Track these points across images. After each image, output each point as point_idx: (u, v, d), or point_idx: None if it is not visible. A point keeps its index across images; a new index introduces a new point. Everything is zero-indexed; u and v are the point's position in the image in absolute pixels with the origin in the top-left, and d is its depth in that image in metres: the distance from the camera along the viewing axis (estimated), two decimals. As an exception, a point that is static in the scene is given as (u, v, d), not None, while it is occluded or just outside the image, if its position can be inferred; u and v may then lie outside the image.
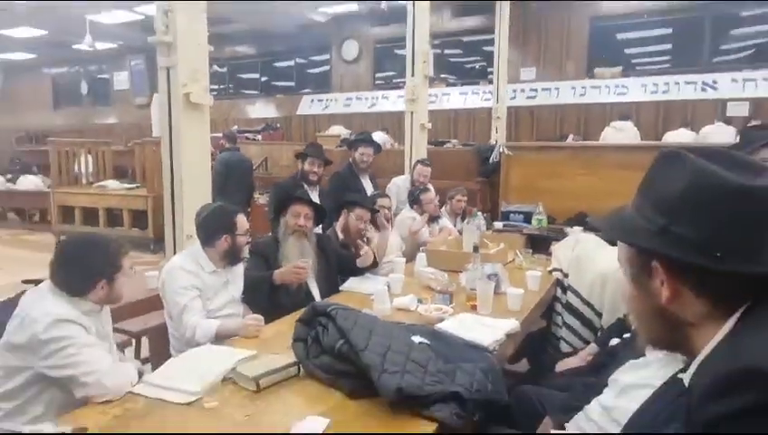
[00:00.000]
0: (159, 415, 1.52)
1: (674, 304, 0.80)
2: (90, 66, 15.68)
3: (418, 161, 4.71)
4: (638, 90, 9.01)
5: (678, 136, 7.36)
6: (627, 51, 9.72)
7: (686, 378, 0.86)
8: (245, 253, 2.48)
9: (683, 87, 8.74)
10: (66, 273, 1.74)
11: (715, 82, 8.52)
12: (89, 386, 1.59)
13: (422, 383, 1.55)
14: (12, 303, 2.37)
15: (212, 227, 2.37)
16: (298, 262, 2.57)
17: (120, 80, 15.04)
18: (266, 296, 2.54)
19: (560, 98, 9.59)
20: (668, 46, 9.49)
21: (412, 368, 1.61)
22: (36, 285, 1.85)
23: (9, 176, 10.24)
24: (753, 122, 6.66)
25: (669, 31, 9.34)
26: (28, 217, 9.84)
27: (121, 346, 2.14)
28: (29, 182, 9.71)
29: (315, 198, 3.73)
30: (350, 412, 1.54)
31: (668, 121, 8.47)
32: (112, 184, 8.12)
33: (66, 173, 8.24)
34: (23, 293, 2.26)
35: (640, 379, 1.51)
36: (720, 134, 6.87)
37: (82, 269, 1.74)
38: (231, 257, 2.40)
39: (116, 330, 2.12)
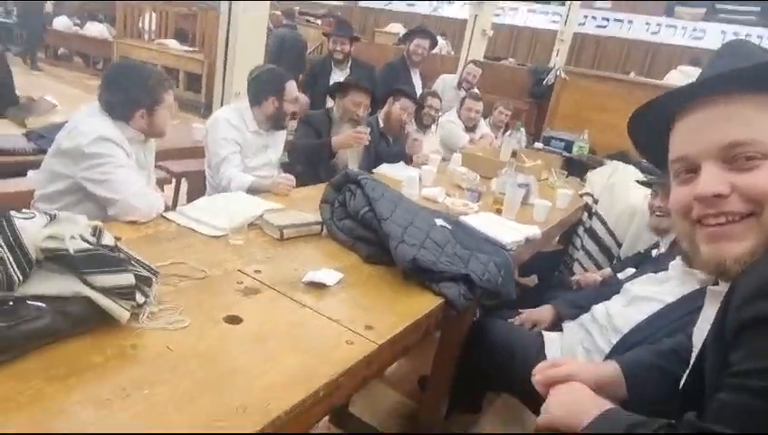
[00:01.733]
0: (187, 241, 1.61)
1: None
2: None
3: (471, 61, 4.56)
4: (716, 37, 8.35)
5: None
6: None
7: (718, 288, 0.79)
8: (292, 118, 2.50)
9: (766, 42, 8.05)
10: (109, 96, 1.80)
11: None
12: (117, 203, 1.68)
13: (436, 260, 1.60)
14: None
15: (262, 87, 2.39)
16: (358, 127, 2.65)
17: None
18: (326, 161, 2.65)
19: (631, 32, 8.97)
20: (761, -2, 8.64)
21: (429, 245, 1.66)
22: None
23: (77, 20, 10.49)
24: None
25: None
26: (92, 63, 10.12)
27: (162, 182, 2.25)
28: (95, 29, 9.97)
29: (342, 76, 3.72)
30: (363, 273, 1.61)
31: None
32: (172, 44, 8.34)
33: (131, 26, 8.55)
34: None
35: (652, 293, 1.53)
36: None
37: (124, 95, 1.79)
38: (275, 121, 2.43)
39: (158, 167, 2.21)
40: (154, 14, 8.76)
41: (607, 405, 0.85)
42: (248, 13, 2.90)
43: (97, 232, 1.13)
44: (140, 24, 8.76)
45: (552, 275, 3.11)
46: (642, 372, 1.03)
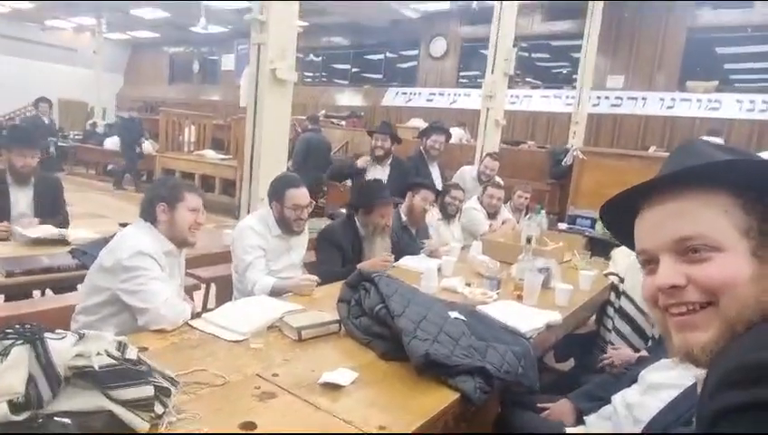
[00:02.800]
0: (210, 348, 1.68)
1: None
2: (202, 47, 17.12)
3: (488, 154, 4.73)
4: (732, 106, 8.44)
5: (773, 157, 6.83)
6: (725, 66, 9.11)
7: (702, 374, 0.77)
8: (299, 227, 2.54)
9: (782, 107, 8.10)
10: (143, 200, 2.03)
11: (820, 102, 7.83)
12: (148, 313, 1.79)
13: (450, 354, 1.61)
14: (107, 240, 2.69)
15: (269, 193, 2.56)
16: (384, 255, 2.75)
17: (227, 61, 16.28)
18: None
19: (646, 108, 9.16)
20: (772, 64, 8.80)
21: (443, 339, 1.68)
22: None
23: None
24: None
25: (774, 48, 8.65)
26: (138, 177, 10.90)
27: (191, 290, 2.37)
28: (144, 146, 10.74)
29: (384, 172, 3.90)
30: (378, 371, 1.63)
31: (763, 141, 7.89)
32: (209, 153, 8.96)
33: (172, 140, 9.22)
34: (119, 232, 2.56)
35: (668, 379, 1.49)
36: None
37: (150, 195, 2.02)
38: (281, 225, 2.51)
39: (189, 274, 2.35)
40: (193, 127, 9.50)
41: None
42: (271, 116, 3.14)
43: (122, 347, 1.22)
44: (180, 138, 9.46)
45: (589, 357, 3.01)
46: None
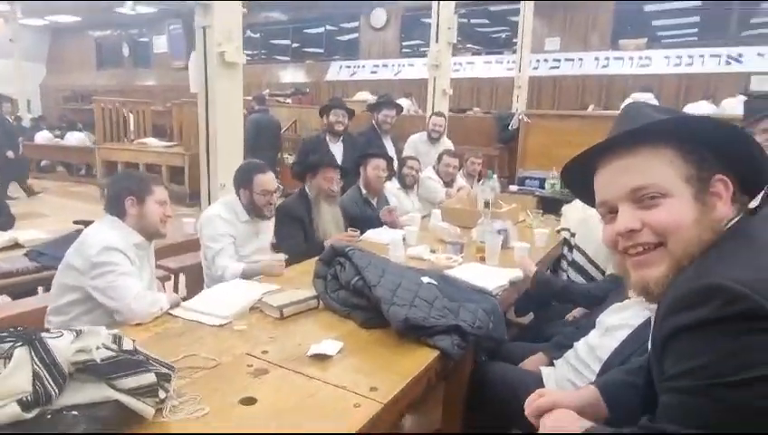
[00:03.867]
0: (196, 334, 1.72)
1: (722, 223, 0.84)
2: (131, 29, 16.21)
3: (433, 113, 4.87)
4: (661, 62, 8.92)
5: (698, 108, 7.31)
6: (653, 23, 9.57)
7: (654, 307, 0.91)
8: (269, 211, 2.58)
9: (707, 60, 8.64)
10: (108, 196, 2.02)
11: (740, 55, 8.41)
12: (120, 311, 1.81)
13: (427, 316, 1.72)
14: (65, 239, 2.64)
15: (235, 181, 2.58)
16: (349, 231, 2.86)
17: (159, 43, 15.53)
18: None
19: (582, 68, 9.55)
20: (696, 19, 9.33)
21: (419, 303, 1.79)
22: (86, 226, 2.08)
23: (57, 132, 10.96)
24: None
25: (698, 3, 9.15)
26: (75, 171, 10.48)
27: (162, 280, 2.38)
28: (75, 138, 10.35)
29: (340, 149, 3.94)
30: (360, 339, 1.72)
31: (690, 94, 8.40)
32: (152, 141, 8.66)
33: (109, 130, 8.81)
34: (76, 231, 2.51)
35: (622, 320, 1.67)
36: (740, 107, 6.79)
37: (117, 189, 2.01)
38: (251, 211, 2.55)
39: (158, 266, 2.35)
40: (131, 115, 9.10)
41: (588, 424, 0.97)
42: (223, 100, 3.10)
43: (117, 340, 1.25)
44: (119, 127, 9.07)
45: (547, 309, 3.22)
46: (617, 391, 1.16)
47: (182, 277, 2.71)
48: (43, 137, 10.57)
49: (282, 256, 2.42)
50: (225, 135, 3.08)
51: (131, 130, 9.06)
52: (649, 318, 1.54)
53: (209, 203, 3.05)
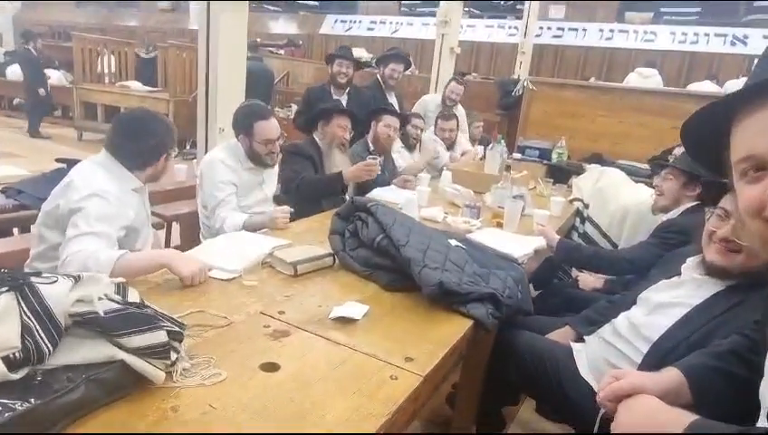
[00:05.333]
0: (200, 288, 1.53)
1: None
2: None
3: (453, 78, 4.63)
4: (666, 38, 8.76)
5: (702, 87, 7.20)
6: (661, -2, 9.37)
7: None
8: (272, 159, 2.39)
9: (712, 39, 8.50)
10: (135, 146, 1.75)
11: (745, 36, 8.29)
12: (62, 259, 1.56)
13: (460, 281, 1.57)
14: (46, 178, 2.39)
15: (234, 125, 2.34)
16: (367, 159, 2.70)
17: (145, -19, 14.64)
18: (336, 194, 2.69)
19: (586, 39, 9.32)
20: (704, -3, 9.16)
21: (450, 267, 1.63)
22: (68, 166, 1.84)
23: None
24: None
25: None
26: (51, 111, 9.78)
27: (155, 227, 2.17)
28: (52, 77, 9.58)
29: (343, 101, 3.72)
30: (386, 302, 1.56)
31: (693, 72, 8.30)
32: (135, 85, 8.22)
33: (89, 71, 8.31)
34: (57, 170, 2.26)
35: (676, 297, 1.53)
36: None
37: (151, 142, 1.76)
38: (251, 159, 2.33)
39: (152, 213, 2.13)
40: (113, 56, 8.61)
41: (689, 416, 0.83)
42: (226, 39, 2.84)
43: (121, 289, 1.06)
44: (99, 68, 8.58)
45: (551, 282, 3.11)
46: (706, 376, 1.02)
47: (176, 226, 2.50)
48: (15, 73, 9.93)
49: (287, 208, 2.22)
50: (228, 76, 2.83)
51: (113, 71, 8.55)
52: (714, 297, 1.41)
53: (206, 150, 2.80)
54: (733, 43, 8.32)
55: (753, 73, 0.79)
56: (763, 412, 0.70)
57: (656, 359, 1.40)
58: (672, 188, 2.28)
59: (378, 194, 2.85)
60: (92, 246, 1.52)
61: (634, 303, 1.66)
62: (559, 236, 2.30)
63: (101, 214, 1.59)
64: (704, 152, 0.86)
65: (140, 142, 1.75)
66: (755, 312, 1.11)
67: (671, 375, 1.04)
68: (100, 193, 1.61)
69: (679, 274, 1.57)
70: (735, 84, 7.14)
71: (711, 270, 1.41)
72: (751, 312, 1.15)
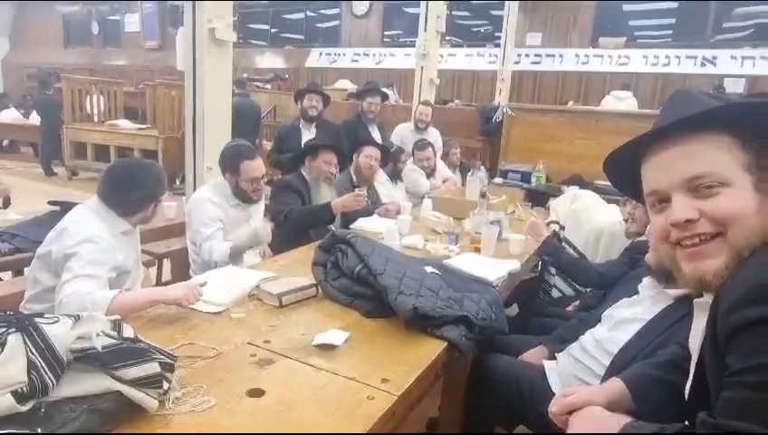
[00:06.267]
0: (190, 322, 1.63)
1: None
2: (100, 6, 15.57)
3: (420, 102, 4.82)
4: (639, 61, 9.10)
5: (676, 108, 7.46)
6: (631, 23, 9.76)
7: (703, 299, 0.88)
8: (257, 197, 2.50)
9: (683, 61, 8.85)
10: (125, 195, 1.86)
11: (714, 57, 8.63)
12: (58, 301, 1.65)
13: (434, 306, 1.67)
14: (39, 221, 2.48)
15: (221, 163, 2.47)
16: (356, 191, 2.84)
17: (131, 22, 14.99)
18: (324, 225, 2.79)
19: (563, 65, 9.64)
20: (672, 20, 9.57)
21: (425, 293, 1.74)
22: (60, 208, 1.94)
23: (22, 111, 10.35)
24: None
25: (675, 5, 9.37)
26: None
27: (146, 265, 2.26)
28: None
29: (311, 134, 3.88)
30: (366, 329, 1.66)
31: (666, 94, 8.56)
32: (124, 123, 8.36)
33: (79, 110, 8.45)
34: (51, 213, 2.36)
35: (635, 314, 1.65)
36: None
37: (141, 192, 1.87)
38: (237, 196, 2.45)
39: (142, 251, 2.23)
40: (101, 96, 8.77)
41: (627, 419, 0.94)
42: (212, 80, 2.97)
43: (117, 326, 1.16)
44: (88, 107, 8.71)
45: (533, 302, 3.22)
46: (645, 385, 1.13)
47: (167, 263, 2.59)
48: (7, 115, 10.05)
49: (270, 224, 2.36)
50: (213, 116, 2.96)
51: (102, 111, 8.71)
52: (664, 312, 1.53)
53: (194, 187, 2.92)
54: (703, 64, 8.67)
55: (660, 116, 0.93)
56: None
57: (616, 371, 1.50)
58: (640, 214, 2.41)
59: (361, 224, 2.96)
60: (86, 287, 1.62)
61: (599, 320, 1.78)
62: (548, 232, 2.45)
63: (93, 258, 1.70)
64: (627, 185, 0.99)
65: (129, 193, 1.86)
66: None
67: (615, 385, 1.15)
68: (92, 238, 1.73)
69: (638, 292, 1.70)
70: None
71: (692, 284, 1.53)
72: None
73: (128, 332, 1.17)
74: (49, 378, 0.98)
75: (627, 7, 9.73)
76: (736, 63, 8.43)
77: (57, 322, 1.06)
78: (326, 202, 2.81)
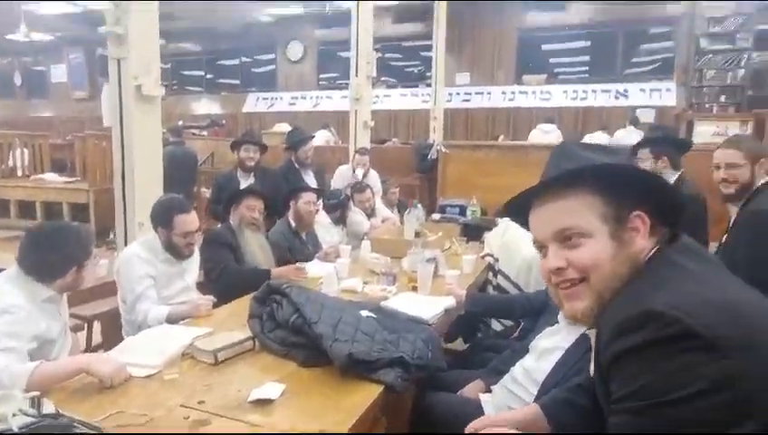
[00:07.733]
0: (120, 388, 1.57)
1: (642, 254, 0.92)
2: (24, 57, 15.03)
3: (356, 151, 4.97)
4: (560, 96, 9.78)
5: (595, 138, 8.01)
6: (551, 60, 10.49)
7: (593, 331, 0.99)
8: (190, 251, 2.45)
9: (599, 94, 9.62)
10: (40, 259, 1.78)
11: (626, 90, 9.46)
12: None
13: (370, 350, 1.70)
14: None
15: (153, 218, 2.42)
16: (297, 265, 2.84)
17: (58, 73, 14.57)
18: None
19: (492, 101, 10.19)
20: (587, 58, 10.39)
21: (361, 337, 1.77)
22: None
23: None
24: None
25: (588, 44, 10.20)
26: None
27: (74, 329, 2.17)
28: None
29: (251, 182, 3.90)
30: (303, 379, 1.67)
31: (587, 125, 9.24)
32: (51, 177, 7.99)
33: (0, 165, 8.01)
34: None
35: (554, 343, 1.75)
36: (630, 137, 7.57)
37: (57, 255, 1.79)
38: (170, 251, 2.39)
39: (70, 315, 2.15)
40: (26, 149, 8.39)
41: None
42: (140, 136, 2.94)
43: (35, 403, 1.13)
44: (11, 162, 8.30)
45: (476, 335, 3.30)
46: (558, 408, 1.23)
47: (97, 325, 2.49)
48: None
49: (210, 297, 2.31)
50: (143, 172, 2.91)
51: (26, 164, 8.31)
52: (579, 339, 1.63)
53: (126, 240, 2.85)
54: (617, 97, 9.44)
55: (545, 168, 1.05)
56: None
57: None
58: None
59: (301, 268, 2.98)
60: (1, 362, 1.55)
61: (527, 350, 1.86)
62: (464, 292, 2.48)
63: (10, 331, 1.63)
64: (526, 225, 1.09)
65: (45, 257, 1.78)
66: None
67: (530, 408, 1.28)
68: (8, 309, 1.66)
69: (558, 321, 1.80)
70: (623, 133, 8.01)
71: (570, 320, 1.63)
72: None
73: (48, 407, 1.14)
74: (-41, 466, 0.94)
75: (545, 47, 10.47)
76: (645, 95, 9.25)
77: (-31, 405, 1.02)
78: (266, 269, 2.80)
